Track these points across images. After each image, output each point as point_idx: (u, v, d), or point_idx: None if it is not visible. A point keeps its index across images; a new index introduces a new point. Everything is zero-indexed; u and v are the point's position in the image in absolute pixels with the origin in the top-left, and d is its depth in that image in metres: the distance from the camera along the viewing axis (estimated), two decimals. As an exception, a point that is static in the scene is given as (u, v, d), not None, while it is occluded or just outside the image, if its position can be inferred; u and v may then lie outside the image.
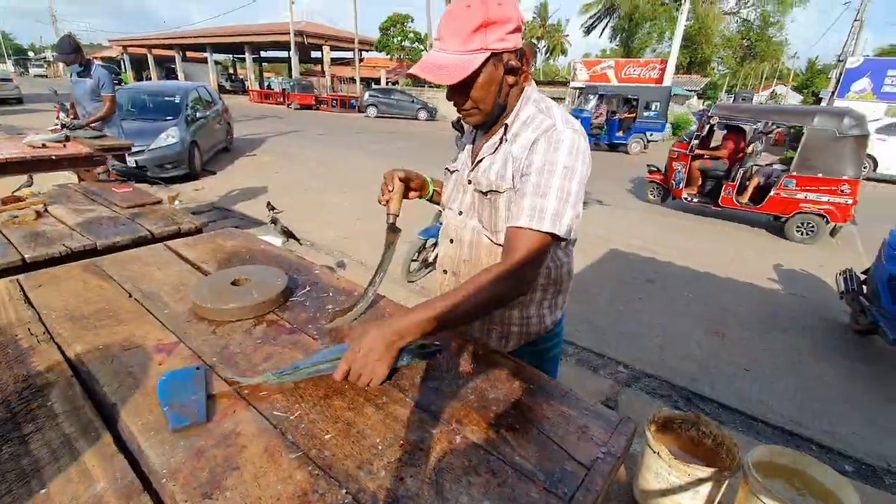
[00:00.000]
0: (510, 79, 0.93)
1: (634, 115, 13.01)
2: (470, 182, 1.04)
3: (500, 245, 1.01)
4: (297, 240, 4.03)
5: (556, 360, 1.24)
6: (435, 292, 1.21)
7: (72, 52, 4.00)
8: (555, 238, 0.89)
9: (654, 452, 1.57)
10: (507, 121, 0.97)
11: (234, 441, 0.68)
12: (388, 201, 1.08)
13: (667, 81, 16.81)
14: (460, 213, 1.08)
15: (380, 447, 0.68)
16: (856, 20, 13.98)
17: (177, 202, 4.61)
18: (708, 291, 4.16)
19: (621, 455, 0.70)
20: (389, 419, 0.74)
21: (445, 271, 1.14)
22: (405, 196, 1.13)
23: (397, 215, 1.08)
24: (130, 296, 1.12)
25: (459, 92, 0.92)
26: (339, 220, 5.66)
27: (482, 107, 0.93)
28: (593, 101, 12.76)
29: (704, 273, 4.57)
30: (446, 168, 1.16)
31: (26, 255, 1.48)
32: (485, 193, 0.99)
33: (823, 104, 14.28)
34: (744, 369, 3.01)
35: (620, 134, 12.96)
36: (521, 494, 0.61)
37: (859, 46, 14.38)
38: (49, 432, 0.69)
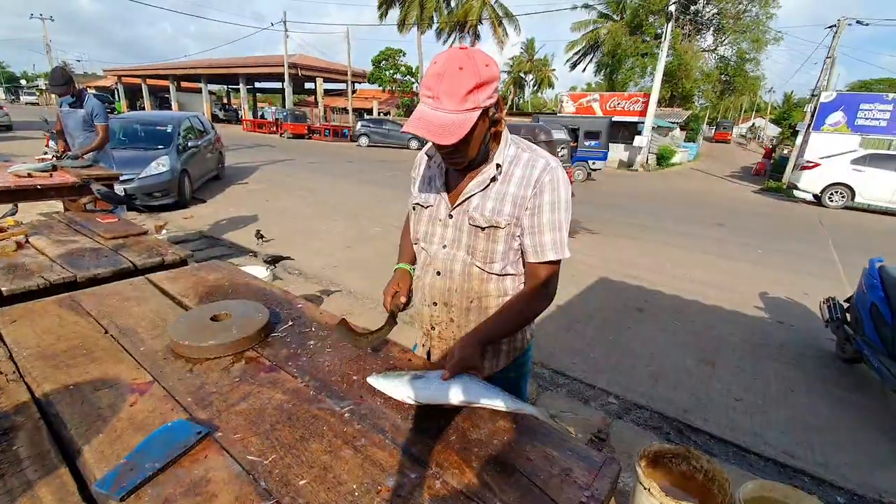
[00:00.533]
0: (493, 128, 1.01)
1: (575, 144, 13.73)
2: (451, 216, 1.09)
3: (492, 273, 1.08)
4: (286, 258, 4.00)
5: (530, 369, 1.31)
6: (425, 324, 1.21)
7: (64, 83, 4.02)
8: None
9: (645, 489, 1.54)
10: (498, 161, 1.04)
11: (205, 489, 0.66)
12: (392, 298, 1.19)
13: (650, 114, 17.35)
14: (444, 246, 1.11)
15: (356, 494, 0.66)
16: (827, 57, 14.69)
17: (164, 231, 4.57)
18: (697, 320, 4.18)
19: (605, 498, 0.68)
20: (368, 463, 0.72)
21: (436, 303, 1.15)
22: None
23: (399, 308, 1.18)
24: (106, 332, 1.09)
25: (454, 145, 0.95)
26: (329, 248, 5.65)
27: (471, 154, 1.00)
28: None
29: (693, 301, 4.60)
30: (417, 204, 1.17)
31: (3, 288, 1.45)
32: (483, 229, 1.05)
33: (800, 137, 14.83)
34: (735, 399, 3.00)
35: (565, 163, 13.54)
36: (502, 544, 0.59)
37: (832, 82, 15.05)
38: (12, 479, 0.66)
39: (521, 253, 1.09)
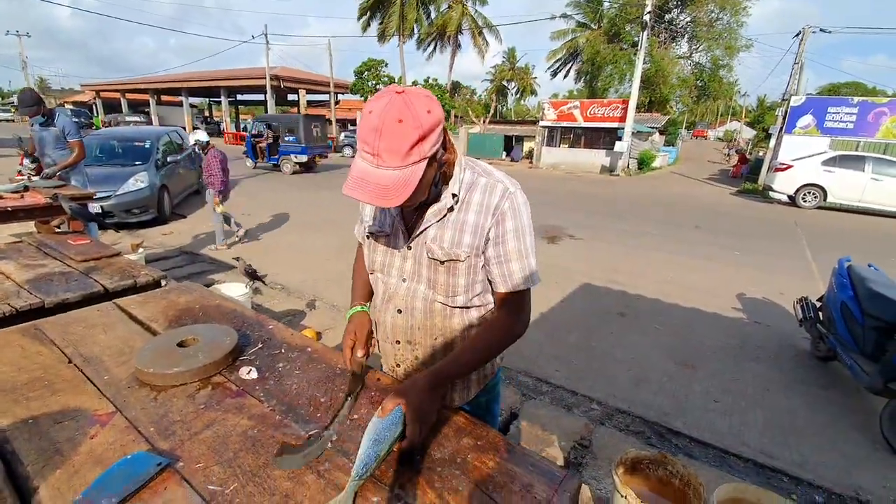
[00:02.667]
0: (442, 169, 0.95)
1: (279, 141, 15.04)
2: (410, 248, 1.04)
3: (454, 307, 1.04)
4: (261, 280, 3.95)
5: (500, 390, 1.29)
6: (389, 360, 1.17)
7: (33, 104, 4.00)
8: None
9: (622, 496, 1.56)
10: (454, 190, 0.98)
11: (162, 522, 0.65)
12: (351, 351, 1.09)
13: (629, 120, 17.70)
14: (403, 279, 1.06)
15: (317, 520, 0.66)
16: (795, 63, 15.19)
17: (140, 249, 4.50)
18: (677, 323, 4.25)
19: (563, 514, 0.70)
20: (330, 487, 0.72)
21: (398, 341, 1.11)
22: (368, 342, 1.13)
23: (362, 365, 1.07)
24: (70, 361, 1.07)
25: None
26: (311, 261, 5.61)
27: (419, 199, 0.94)
28: (262, 127, 15.28)
29: (673, 304, 4.68)
30: (371, 232, 1.10)
31: (-35, 318, 1.41)
32: (442, 262, 1.00)
33: (773, 140, 15.28)
34: (714, 401, 3.05)
35: (275, 156, 15.02)
36: (459, 566, 0.60)
37: (802, 86, 15.56)
38: (-41, 523, 0.65)
39: (490, 283, 1.04)
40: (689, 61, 28.19)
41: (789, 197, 12.13)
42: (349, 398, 0.97)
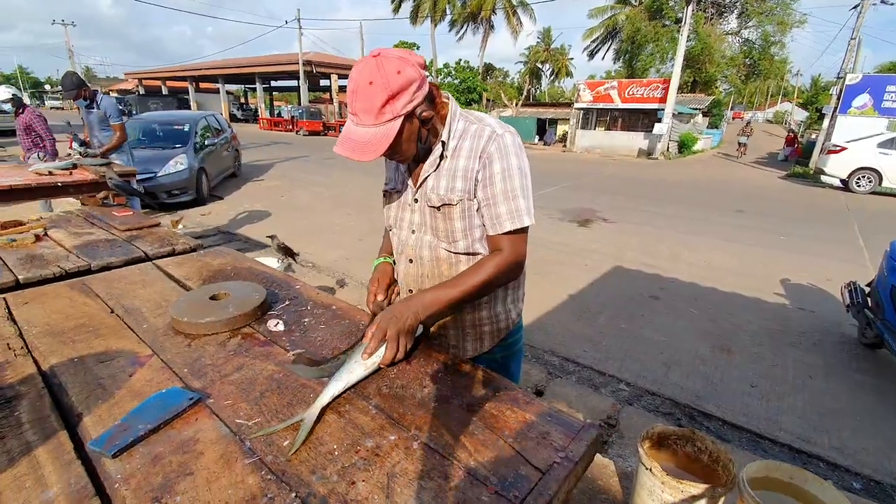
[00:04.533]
0: (425, 126, 0.98)
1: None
2: (416, 201, 1.09)
3: (458, 253, 1.07)
4: (293, 257, 4.05)
5: (521, 350, 1.29)
6: None
7: (74, 87, 4.18)
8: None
9: (647, 469, 1.53)
10: (444, 139, 1.02)
11: (192, 448, 0.69)
12: (374, 296, 1.16)
13: (670, 101, 16.95)
14: (413, 231, 1.12)
15: (336, 453, 0.68)
16: (852, 38, 14.09)
17: (180, 226, 4.70)
18: (714, 307, 4.10)
19: (579, 460, 0.69)
20: (350, 426, 0.74)
21: (411, 290, 1.17)
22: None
23: (381, 308, 1.11)
24: (112, 311, 1.14)
25: (386, 152, 0.95)
26: (343, 240, 5.72)
27: (408, 154, 1.00)
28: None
29: (710, 288, 4.51)
30: (387, 190, 1.18)
31: (20, 276, 1.51)
32: (438, 208, 1.04)
33: (826, 121, 14.30)
34: (750, 385, 2.94)
35: None
36: (472, 498, 0.61)
37: (858, 63, 14.44)
38: (11, 441, 0.70)
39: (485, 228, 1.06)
40: (738, 38, 26.58)
41: (842, 181, 11.39)
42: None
